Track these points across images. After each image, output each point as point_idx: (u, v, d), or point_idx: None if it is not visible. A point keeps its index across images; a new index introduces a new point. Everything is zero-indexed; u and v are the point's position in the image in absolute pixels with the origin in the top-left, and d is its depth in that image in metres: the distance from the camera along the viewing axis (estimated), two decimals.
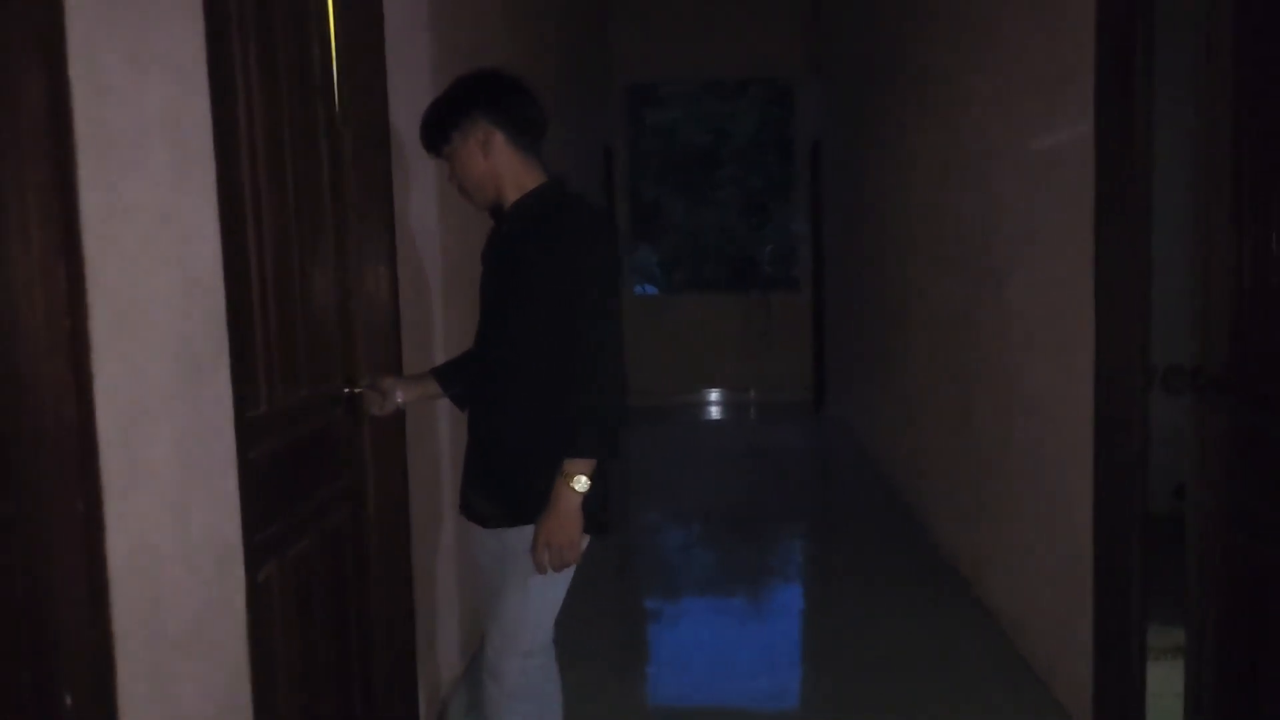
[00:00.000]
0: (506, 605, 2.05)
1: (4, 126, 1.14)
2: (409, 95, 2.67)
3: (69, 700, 1.21)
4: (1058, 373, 2.75)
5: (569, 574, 2.04)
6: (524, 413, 2.02)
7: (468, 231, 3.23)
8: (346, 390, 2.29)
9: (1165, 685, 2.57)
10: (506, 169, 2.05)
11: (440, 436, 2.96)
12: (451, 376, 2.28)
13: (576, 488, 1.91)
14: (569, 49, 6.28)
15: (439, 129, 2.07)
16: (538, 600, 2.04)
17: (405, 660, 2.54)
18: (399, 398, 2.24)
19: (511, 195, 2.07)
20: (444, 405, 2.58)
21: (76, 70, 1.20)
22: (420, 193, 2.77)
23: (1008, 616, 3.27)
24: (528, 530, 2.00)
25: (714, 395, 9.50)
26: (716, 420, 9.00)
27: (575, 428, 1.90)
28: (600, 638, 3.52)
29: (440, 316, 2.94)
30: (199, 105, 1.52)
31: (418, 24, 2.80)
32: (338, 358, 2.25)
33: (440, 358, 2.91)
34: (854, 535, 4.83)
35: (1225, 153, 2.04)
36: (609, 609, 3.91)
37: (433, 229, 2.89)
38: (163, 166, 1.41)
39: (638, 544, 4.81)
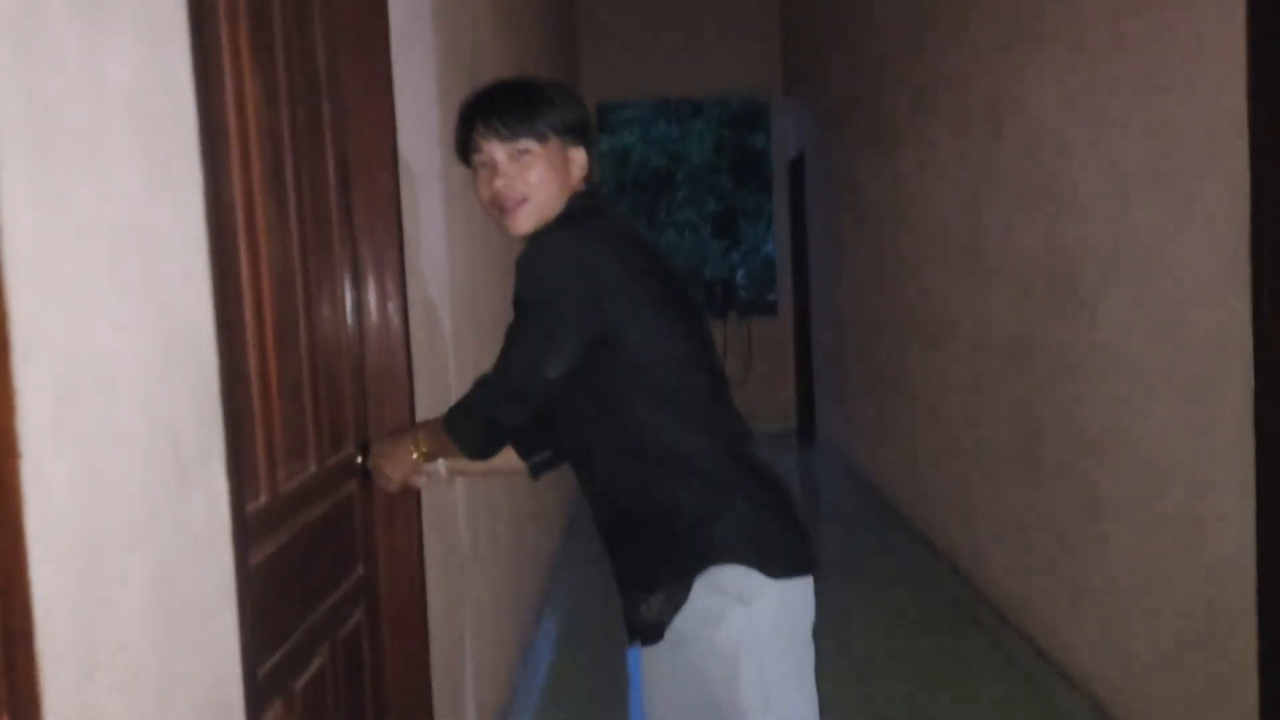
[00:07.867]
0: (736, 702, 1.58)
1: None
2: (413, 97, 2.23)
3: None
4: (1184, 425, 2.36)
5: (779, 636, 1.60)
6: (608, 483, 1.65)
7: (473, 248, 2.77)
8: (360, 458, 1.82)
9: None
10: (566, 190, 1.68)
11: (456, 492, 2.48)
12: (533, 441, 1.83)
13: (425, 450, 1.71)
14: (548, 67, 5.85)
15: (538, 116, 1.62)
16: (754, 672, 1.57)
17: None
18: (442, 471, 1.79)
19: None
20: None
21: None
22: (425, 198, 2.30)
23: (1111, 698, 2.86)
24: (685, 614, 1.59)
25: None
26: None
27: (456, 411, 1.67)
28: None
29: (453, 359, 2.47)
30: (178, 81, 1.06)
31: (421, 21, 2.33)
32: (350, 417, 1.78)
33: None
34: (890, 581, 4.41)
35: None
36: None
37: (439, 249, 2.41)
38: (127, 168, 0.95)
39: None
